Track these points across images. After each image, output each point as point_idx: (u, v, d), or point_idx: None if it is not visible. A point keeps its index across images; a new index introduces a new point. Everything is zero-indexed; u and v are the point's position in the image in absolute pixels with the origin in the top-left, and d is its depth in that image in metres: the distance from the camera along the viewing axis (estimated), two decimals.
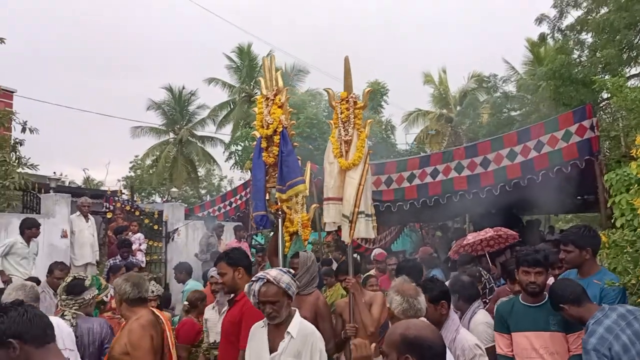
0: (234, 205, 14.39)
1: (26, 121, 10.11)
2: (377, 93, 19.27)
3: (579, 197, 10.67)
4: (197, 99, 30.81)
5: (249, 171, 11.40)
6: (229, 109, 28.52)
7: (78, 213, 9.28)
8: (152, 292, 5.50)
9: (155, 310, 4.08)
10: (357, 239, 10.07)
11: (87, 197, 9.71)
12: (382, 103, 20.17)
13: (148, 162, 30.87)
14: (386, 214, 8.86)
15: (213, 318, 5.45)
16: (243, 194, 14.23)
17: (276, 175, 4.81)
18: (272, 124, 4.74)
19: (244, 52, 27.64)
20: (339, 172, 4.65)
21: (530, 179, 7.44)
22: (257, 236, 13.02)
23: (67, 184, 18.27)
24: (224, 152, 27.25)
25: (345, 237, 4.55)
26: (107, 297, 5.21)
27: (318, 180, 7.20)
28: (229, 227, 12.06)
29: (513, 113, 18.77)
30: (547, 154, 7.33)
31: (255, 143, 5.02)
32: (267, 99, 4.86)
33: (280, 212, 4.84)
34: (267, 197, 4.89)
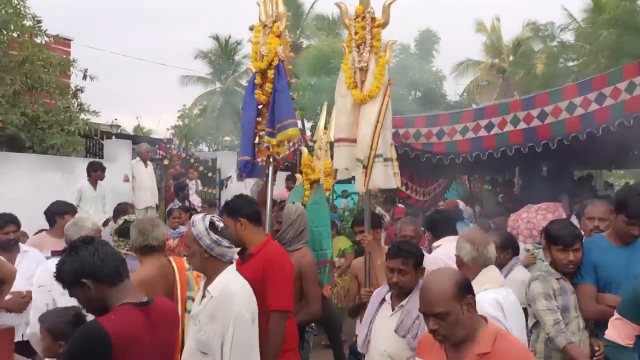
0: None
1: (87, 69, 10.48)
2: (428, 42, 18.84)
3: (636, 152, 10.33)
4: (242, 49, 30.87)
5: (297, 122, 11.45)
6: None
7: (138, 159, 9.63)
8: None
9: (171, 258, 3.67)
10: (405, 190, 10.19)
11: (147, 144, 10.08)
12: (433, 52, 19.70)
13: (195, 111, 31.40)
14: (437, 166, 8.84)
15: None
16: (290, 144, 14.42)
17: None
18: (267, 55, 4.02)
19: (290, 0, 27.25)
20: (353, 106, 3.88)
21: (589, 133, 7.24)
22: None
23: (118, 131, 18.91)
24: None
25: (359, 186, 3.85)
26: None
27: None
28: (280, 176, 12.30)
29: (570, 63, 18.05)
30: (609, 107, 7.07)
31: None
32: (265, 26, 4.16)
33: (271, 160, 4.26)
34: (256, 141, 4.27)
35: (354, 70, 3.87)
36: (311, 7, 26.43)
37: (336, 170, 4.27)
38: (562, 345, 3.12)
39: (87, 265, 2.14)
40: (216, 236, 2.84)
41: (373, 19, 3.82)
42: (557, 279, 3.38)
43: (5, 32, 9.39)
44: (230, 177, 12.26)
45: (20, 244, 4.64)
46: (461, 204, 8.45)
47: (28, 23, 9.78)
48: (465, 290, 2.24)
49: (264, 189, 4.35)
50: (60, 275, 2.19)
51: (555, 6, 33.38)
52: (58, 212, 5.44)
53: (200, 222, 2.87)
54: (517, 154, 7.76)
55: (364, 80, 3.83)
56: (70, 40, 14.41)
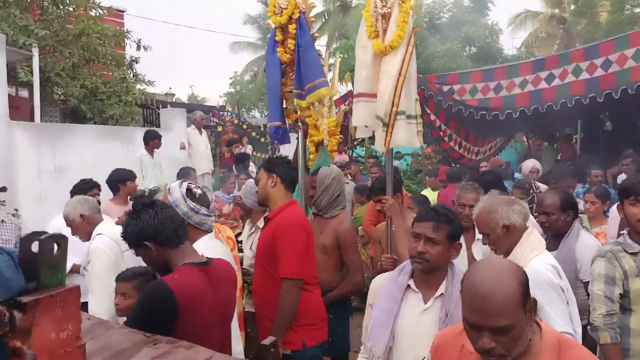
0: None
1: (140, 39, 10.67)
2: None
3: None
4: None
5: (349, 83, 11.30)
6: (324, 19, 28.06)
7: (193, 126, 9.82)
8: None
9: None
10: (458, 149, 9.96)
11: (200, 112, 10.26)
12: (489, 4, 18.88)
13: (247, 77, 31.60)
14: (493, 123, 8.59)
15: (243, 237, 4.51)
16: (342, 107, 14.35)
17: (294, 76, 3.79)
18: (286, 8, 3.69)
19: None
20: (373, 58, 3.46)
21: None
22: (356, 149, 13.20)
23: (173, 100, 19.32)
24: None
25: (380, 145, 3.51)
26: None
27: None
28: None
29: (637, 10, 16.92)
30: None
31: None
32: None
33: (301, 124, 3.96)
34: (285, 105, 3.94)
35: (375, 17, 3.46)
36: None
37: (355, 127, 3.94)
38: (605, 342, 2.69)
39: (147, 229, 2.23)
40: (194, 204, 2.71)
41: None
42: (634, 253, 2.75)
43: (61, 7, 9.66)
44: None
45: None
46: (538, 164, 7.52)
47: None
48: (528, 292, 1.66)
49: (295, 155, 4.10)
50: (126, 237, 2.31)
51: None
52: (120, 180, 5.66)
53: (176, 189, 2.73)
54: (577, 106, 7.44)
55: (386, 29, 3.42)
56: (123, 11, 14.69)
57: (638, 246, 2.75)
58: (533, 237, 2.76)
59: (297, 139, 4.09)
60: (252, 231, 4.30)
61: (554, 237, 3.49)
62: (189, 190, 2.74)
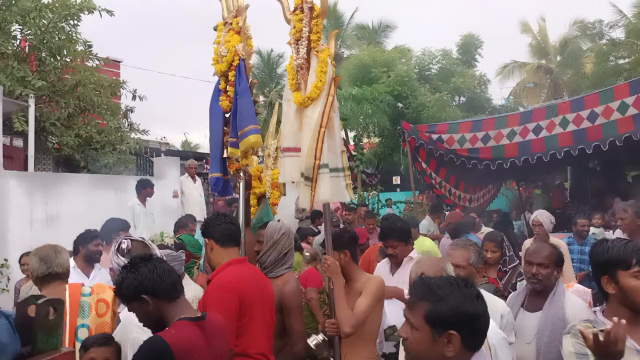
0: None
1: (136, 89, 10.86)
2: (471, 46, 18.60)
3: None
4: (284, 62, 31.41)
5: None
6: None
7: (186, 175, 9.89)
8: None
9: (67, 285, 3.16)
10: (449, 196, 10.01)
11: (193, 159, 10.33)
12: (477, 56, 19.40)
13: None
14: (484, 172, 8.70)
15: None
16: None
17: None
18: (226, 56, 3.59)
19: (330, 11, 27.37)
20: (297, 111, 3.30)
21: None
22: None
23: (167, 148, 19.42)
24: None
25: (304, 202, 3.23)
26: None
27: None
28: None
29: (621, 61, 17.47)
30: None
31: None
32: (226, 24, 3.71)
33: (242, 173, 3.70)
34: (226, 155, 3.72)
35: (296, 69, 3.36)
36: (351, 17, 26.55)
37: (284, 184, 3.72)
38: None
39: (146, 282, 2.23)
40: (123, 259, 2.83)
41: (311, 9, 3.31)
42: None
43: (59, 58, 9.84)
44: None
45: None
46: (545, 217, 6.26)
47: (80, 48, 10.22)
48: None
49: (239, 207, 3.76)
50: (121, 291, 2.29)
51: (604, 3, 32.37)
52: (114, 229, 5.66)
53: (114, 245, 2.93)
54: (567, 156, 7.58)
55: (307, 81, 3.29)
56: (119, 62, 14.96)
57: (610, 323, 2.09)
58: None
59: (239, 189, 3.81)
60: None
61: (534, 297, 3.18)
62: (118, 246, 2.93)
